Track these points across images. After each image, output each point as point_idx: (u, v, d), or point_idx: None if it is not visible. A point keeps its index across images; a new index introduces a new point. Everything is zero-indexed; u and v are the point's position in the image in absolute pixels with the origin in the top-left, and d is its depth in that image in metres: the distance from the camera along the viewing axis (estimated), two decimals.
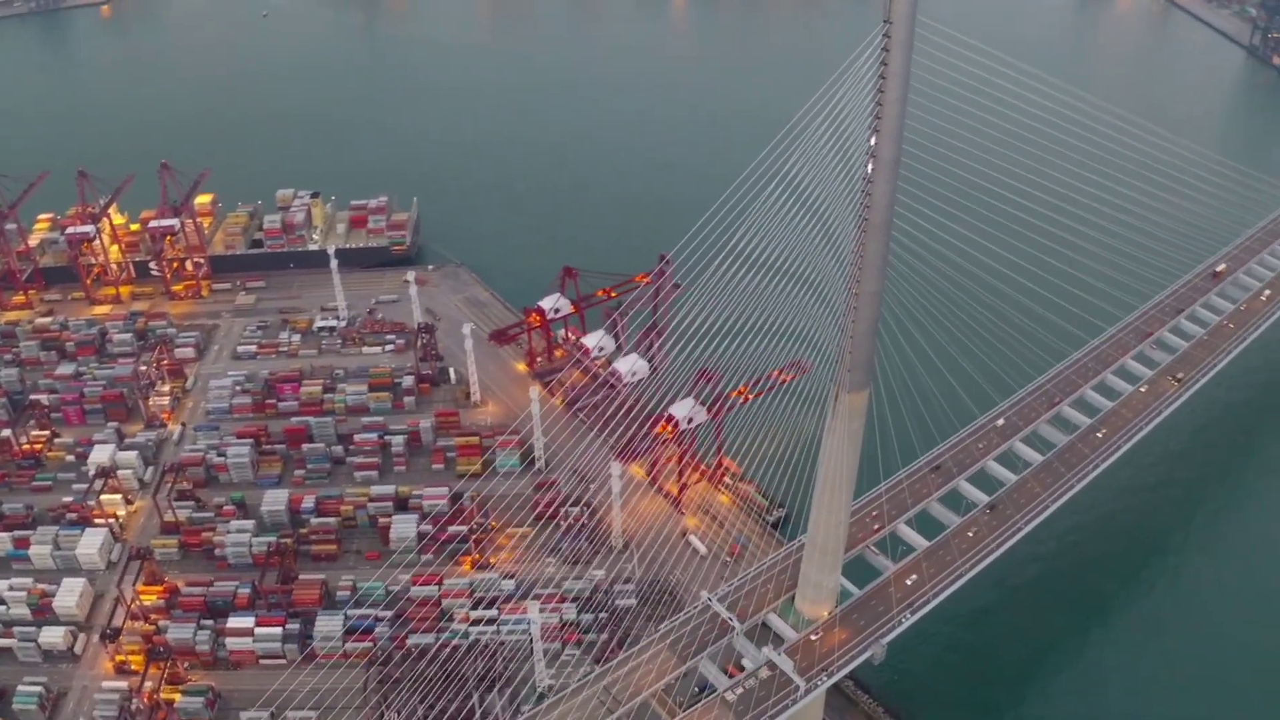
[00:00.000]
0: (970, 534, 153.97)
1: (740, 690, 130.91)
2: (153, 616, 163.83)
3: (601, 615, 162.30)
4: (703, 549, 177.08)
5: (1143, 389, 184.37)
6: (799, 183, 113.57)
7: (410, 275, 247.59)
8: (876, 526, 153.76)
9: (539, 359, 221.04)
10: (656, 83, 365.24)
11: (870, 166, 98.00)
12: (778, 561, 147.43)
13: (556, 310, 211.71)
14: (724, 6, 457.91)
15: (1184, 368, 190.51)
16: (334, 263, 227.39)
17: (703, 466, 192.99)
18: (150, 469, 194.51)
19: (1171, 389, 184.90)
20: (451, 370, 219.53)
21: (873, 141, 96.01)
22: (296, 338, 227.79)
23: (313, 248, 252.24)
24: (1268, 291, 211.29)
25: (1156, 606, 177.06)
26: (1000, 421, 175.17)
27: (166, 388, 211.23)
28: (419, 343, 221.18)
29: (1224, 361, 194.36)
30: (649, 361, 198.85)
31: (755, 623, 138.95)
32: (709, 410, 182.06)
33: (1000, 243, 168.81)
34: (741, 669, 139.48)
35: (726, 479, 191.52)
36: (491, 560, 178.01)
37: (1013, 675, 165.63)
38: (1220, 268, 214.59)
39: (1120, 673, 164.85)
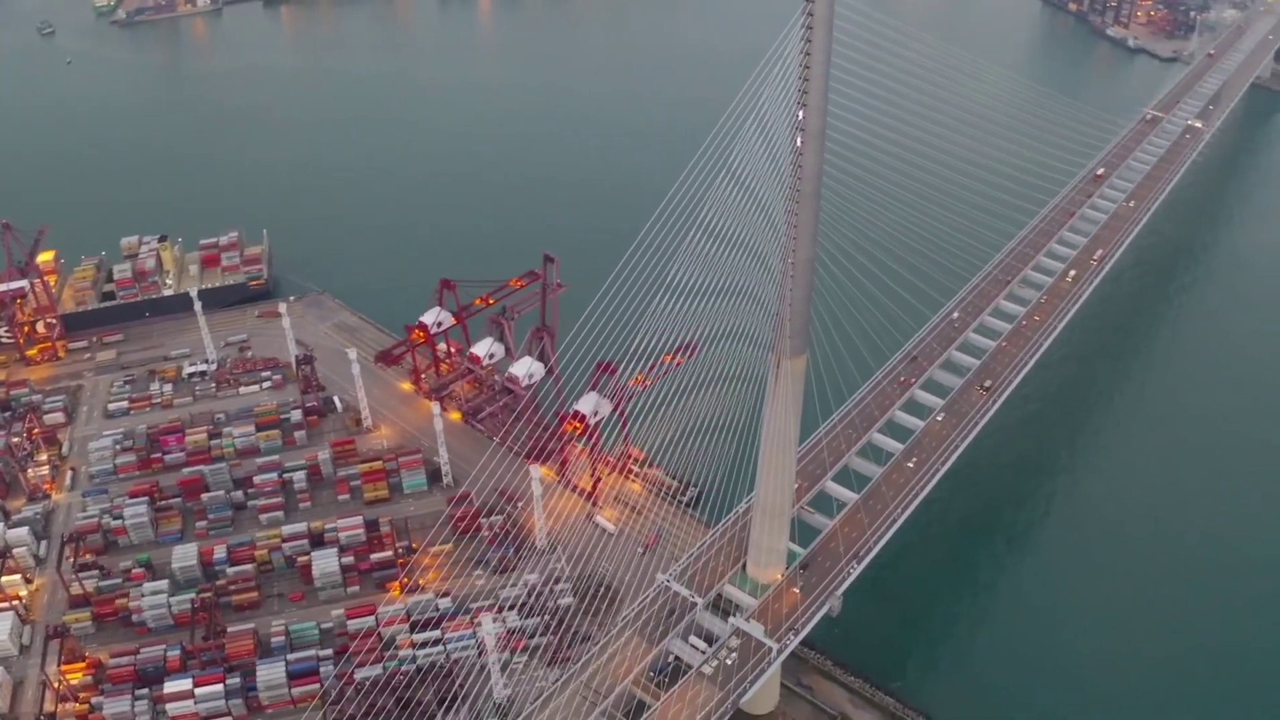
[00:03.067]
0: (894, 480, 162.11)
1: (715, 662, 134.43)
2: (83, 695, 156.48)
3: (545, 618, 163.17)
4: (611, 528, 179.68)
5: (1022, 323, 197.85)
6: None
7: (257, 312, 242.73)
8: (806, 485, 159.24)
9: (424, 375, 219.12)
10: (483, 85, 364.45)
11: (799, 140, 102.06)
12: (725, 532, 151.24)
13: (439, 324, 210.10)
14: (530, 6, 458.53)
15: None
16: (198, 305, 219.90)
17: (608, 458, 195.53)
18: (43, 543, 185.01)
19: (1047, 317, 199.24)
20: (336, 399, 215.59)
21: (801, 115, 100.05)
22: (168, 387, 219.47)
23: (168, 293, 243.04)
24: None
25: (1054, 530, 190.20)
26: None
27: (44, 456, 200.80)
28: (300, 375, 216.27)
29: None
30: (543, 362, 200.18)
31: (713, 596, 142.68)
32: (612, 402, 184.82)
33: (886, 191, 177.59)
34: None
35: (633, 467, 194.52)
36: (420, 582, 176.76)
37: (940, 609, 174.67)
38: (1099, 171, 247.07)
39: (1036, 596, 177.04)
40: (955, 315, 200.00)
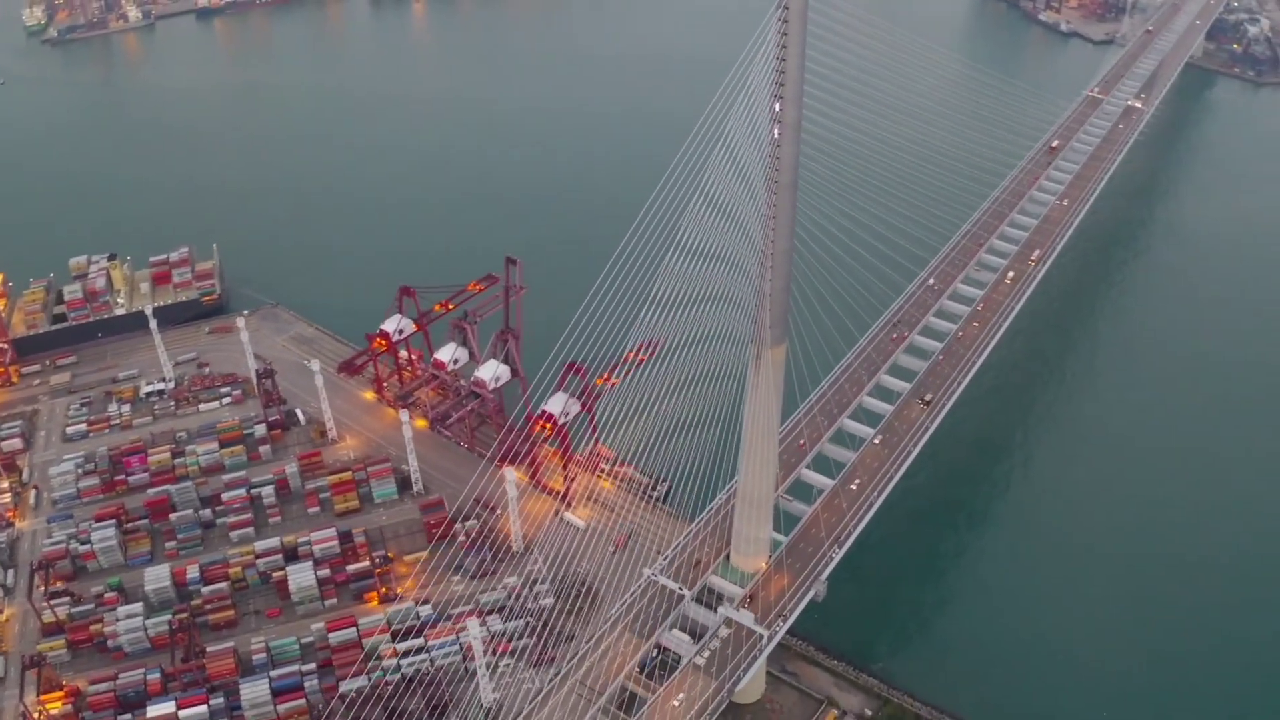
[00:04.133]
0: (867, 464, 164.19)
1: (707, 653, 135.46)
2: None
3: (528, 620, 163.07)
4: (580, 524, 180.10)
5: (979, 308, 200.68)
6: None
7: (209, 328, 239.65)
8: (782, 473, 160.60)
9: (387, 384, 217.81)
10: (423, 93, 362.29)
11: (776, 131, 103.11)
12: (706, 524, 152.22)
13: (400, 331, 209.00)
14: (464, 8, 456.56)
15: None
16: (153, 323, 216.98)
17: (578, 457, 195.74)
18: (10, 572, 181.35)
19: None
20: (299, 411, 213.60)
21: (778, 107, 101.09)
22: (126, 408, 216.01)
23: (120, 312, 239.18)
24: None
25: (1020, 510, 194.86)
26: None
27: (4, 484, 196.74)
28: (261, 389, 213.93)
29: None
30: (509, 365, 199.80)
31: (700, 587, 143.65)
32: (580, 402, 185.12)
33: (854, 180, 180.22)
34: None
35: (604, 465, 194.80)
36: (398, 591, 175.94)
37: (915, 590, 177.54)
38: (1054, 144, 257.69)
39: (1006, 573, 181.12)
40: (931, 281, 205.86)
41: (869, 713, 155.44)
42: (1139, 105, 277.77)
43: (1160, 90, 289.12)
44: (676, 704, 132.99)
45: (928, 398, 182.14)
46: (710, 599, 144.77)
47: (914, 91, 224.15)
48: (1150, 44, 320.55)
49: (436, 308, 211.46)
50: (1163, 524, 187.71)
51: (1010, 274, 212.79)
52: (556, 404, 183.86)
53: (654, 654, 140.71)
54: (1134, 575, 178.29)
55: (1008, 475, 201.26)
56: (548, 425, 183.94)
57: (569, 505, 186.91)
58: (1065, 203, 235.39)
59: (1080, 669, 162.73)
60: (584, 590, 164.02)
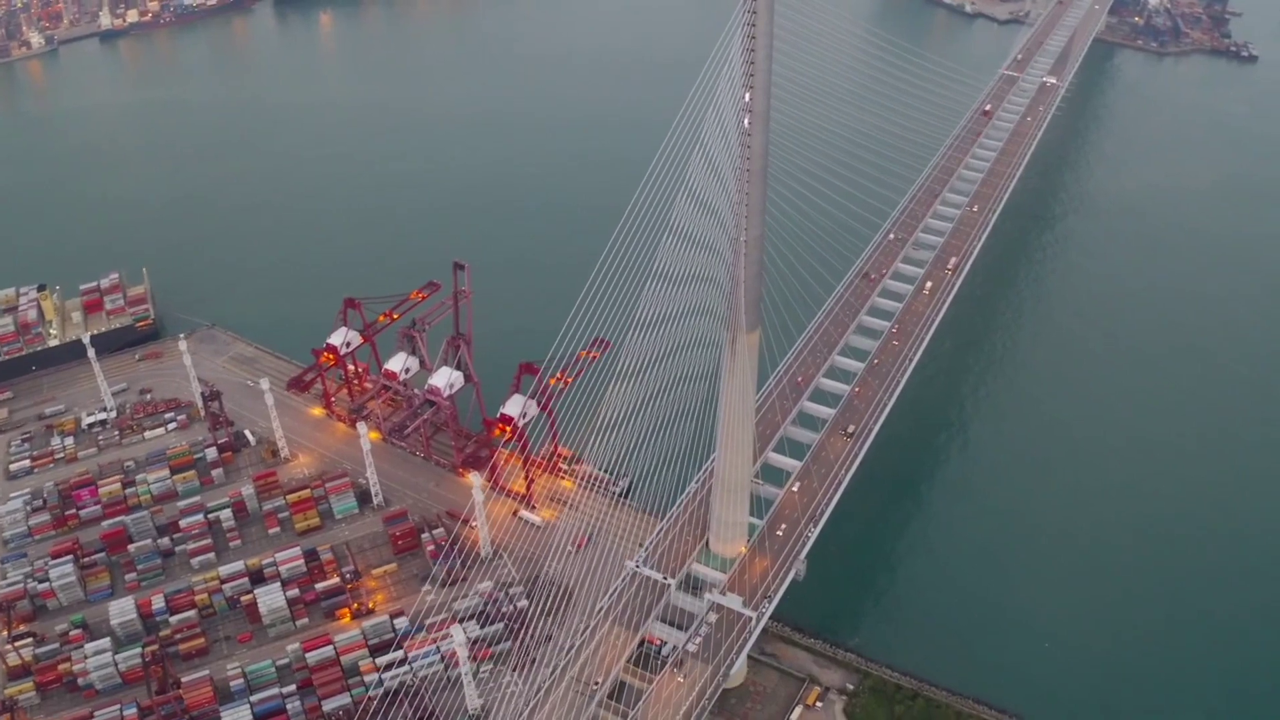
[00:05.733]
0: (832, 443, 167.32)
1: (699, 639, 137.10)
2: None
3: (507, 624, 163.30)
4: (538, 521, 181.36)
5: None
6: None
7: (138, 355, 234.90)
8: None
9: (335, 398, 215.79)
10: (338, 103, 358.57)
11: (747, 120, 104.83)
12: (680, 513, 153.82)
13: (348, 344, 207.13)
14: (369, 17, 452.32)
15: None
16: (91, 352, 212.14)
17: (541, 460, 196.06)
18: None
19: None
20: (248, 432, 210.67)
21: (747, 97, 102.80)
22: (69, 440, 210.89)
23: (53, 344, 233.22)
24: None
25: (979, 478, 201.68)
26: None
27: None
28: (208, 412, 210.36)
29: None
30: (461, 371, 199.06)
31: (684, 575, 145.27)
32: (539, 403, 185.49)
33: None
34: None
35: (563, 465, 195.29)
36: (370, 605, 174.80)
37: (882, 563, 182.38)
38: (987, 107, 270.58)
39: (967, 542, 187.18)
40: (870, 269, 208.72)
41: (850, 686, 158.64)
42: (1054, 81, 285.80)
43: (1073, 66, 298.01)
44: (681, 680, 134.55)
45: (849, 429, 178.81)
46: (692, 587, 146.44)
47: (839, 77, 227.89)
48: (1059, 20, 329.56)
49: (381, 318, 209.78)
50: (1106, 496, 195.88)
51: (949, 251, 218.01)
52: (515, 406, 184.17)
53: (643, 645, 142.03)
54: (1081, 544, 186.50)
55: (962, 448, 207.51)
56: (507, 428, 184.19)
57: (531, 506, 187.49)
58: (990, 179, 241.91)
59: (1033, 625, 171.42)
60: (556, 590, 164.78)
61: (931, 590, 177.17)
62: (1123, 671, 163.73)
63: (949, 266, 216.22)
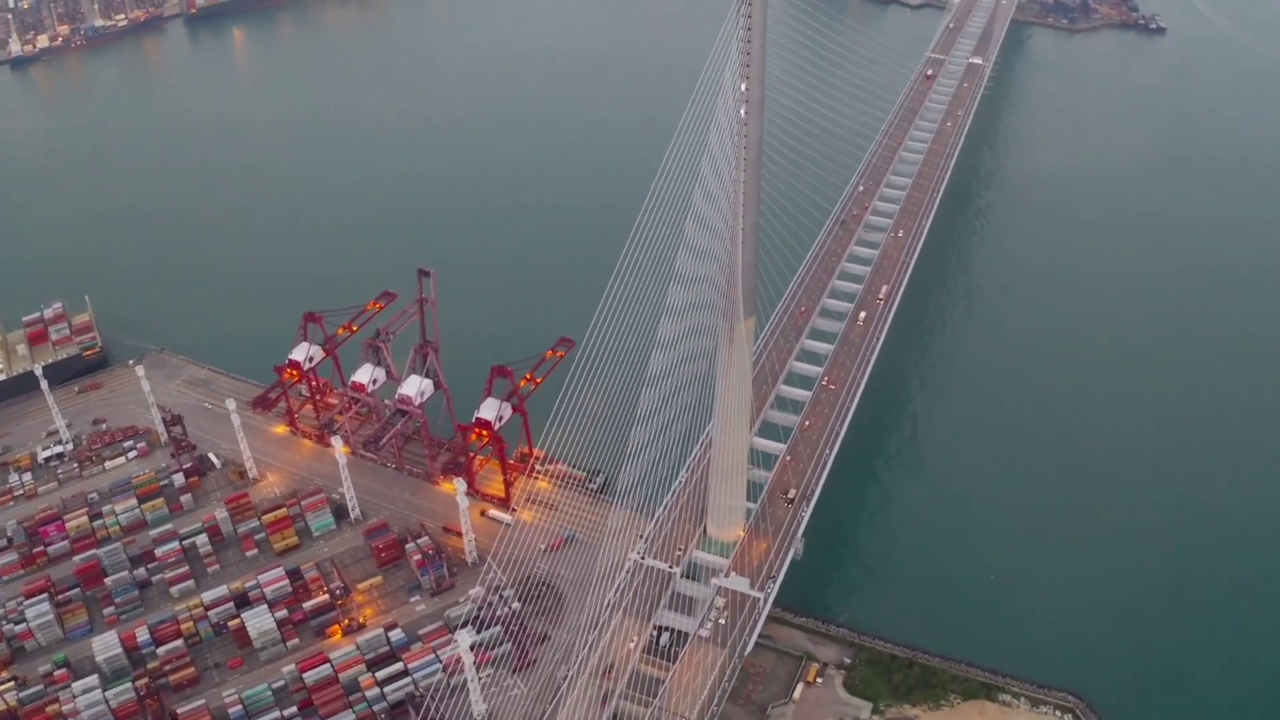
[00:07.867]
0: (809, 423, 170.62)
1: (710, 624, 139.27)
2: None
3: (505, 626, 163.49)
4: (507, 518, 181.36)
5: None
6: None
7: (77, 387, 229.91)
8: None
9: (299, 415, 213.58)
10: (267, 118, 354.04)
11: (743, 110, 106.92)
12: (674, 503, 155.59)
13: (311, 359, 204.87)
14: (282, 31, 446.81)
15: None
16: (44, 383, 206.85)
17: (518, 463, 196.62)
18: None
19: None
20: (212, 455, 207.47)
21: (744, 87, 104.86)
22: (27, 476, 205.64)
23: (1, 378, 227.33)
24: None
25: (958, 450, 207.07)
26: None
27: None
28: (171, 437, 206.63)
29: None
30: (431, 378, 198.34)
31: (687, 563, 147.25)
32: (512, 405, 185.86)
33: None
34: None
35: (538, 466, 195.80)
36: (360, 620, 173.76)
37: (868, 538, 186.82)
38: (929, 72, 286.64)
39: (949, 512, 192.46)
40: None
41: (847, 661, 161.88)
42: (979, 61, 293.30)
43: (995, 46, 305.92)
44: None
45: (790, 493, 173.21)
46: (696, 573, 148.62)
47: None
48: (976, 2, 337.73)
49: (341, 330, 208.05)
50: (1083, 469, 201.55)
51: (901, 231, 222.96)
52: (490, 410, 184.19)
53: (655, 634, 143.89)
54: (1048, 511, 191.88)
55: (941, 421, 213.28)
56: (484, 432, 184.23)
57: (513, 509, 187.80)
58: (930, 159, 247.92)
59: (1014, 591, 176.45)
60: (547, 589, 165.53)
61: (912, 563, 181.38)
62: (1097, 629, 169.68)
63: (880, 296, 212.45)
